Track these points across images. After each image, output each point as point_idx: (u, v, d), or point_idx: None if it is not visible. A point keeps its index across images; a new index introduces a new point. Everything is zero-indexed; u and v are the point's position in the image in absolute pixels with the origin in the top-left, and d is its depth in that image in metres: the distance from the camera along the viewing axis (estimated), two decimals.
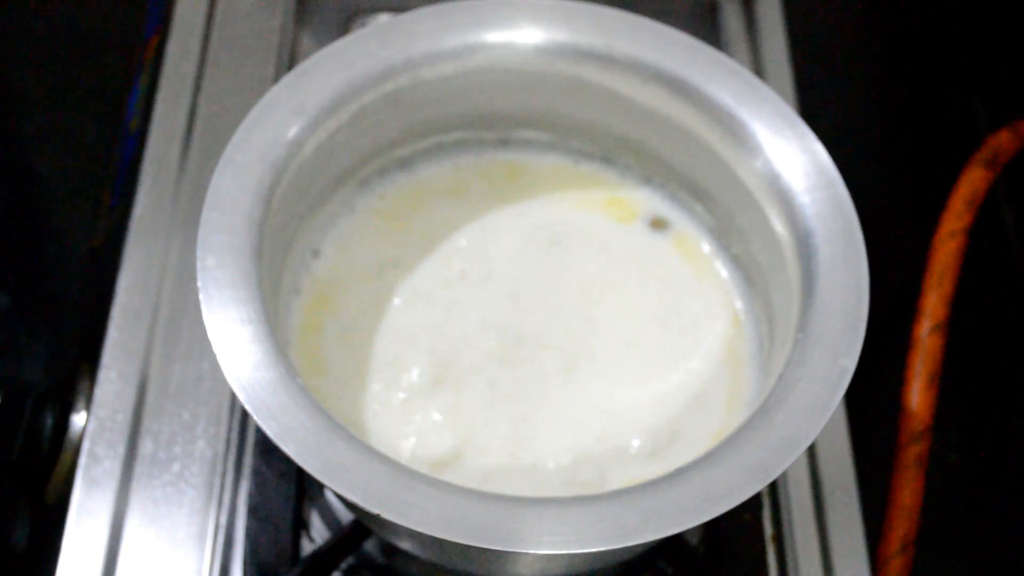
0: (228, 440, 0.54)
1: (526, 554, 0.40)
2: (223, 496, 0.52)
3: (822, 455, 0.55)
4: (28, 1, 0.77)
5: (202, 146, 0.63)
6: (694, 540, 0.54)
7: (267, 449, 0.54)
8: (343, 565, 0.53)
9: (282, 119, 0.47)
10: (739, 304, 0.53)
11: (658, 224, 0.55)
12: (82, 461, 0.52)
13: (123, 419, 0.53)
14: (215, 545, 0.51)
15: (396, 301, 0.52)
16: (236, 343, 0.42)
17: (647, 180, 0.56)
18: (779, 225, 0.48)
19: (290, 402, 0.41)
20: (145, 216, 0.59)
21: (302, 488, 0.54)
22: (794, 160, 0.48)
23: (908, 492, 0.55)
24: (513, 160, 0.56)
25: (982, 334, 0.64)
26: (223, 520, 0.52)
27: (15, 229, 0.69)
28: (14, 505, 0.53)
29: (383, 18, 0.71)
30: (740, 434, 0.42)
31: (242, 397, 0.41)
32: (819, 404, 0.42)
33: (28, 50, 0.76)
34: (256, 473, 0.54)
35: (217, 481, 0.52)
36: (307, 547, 0.54)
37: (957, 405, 0.60)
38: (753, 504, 0.54)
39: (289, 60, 0.68)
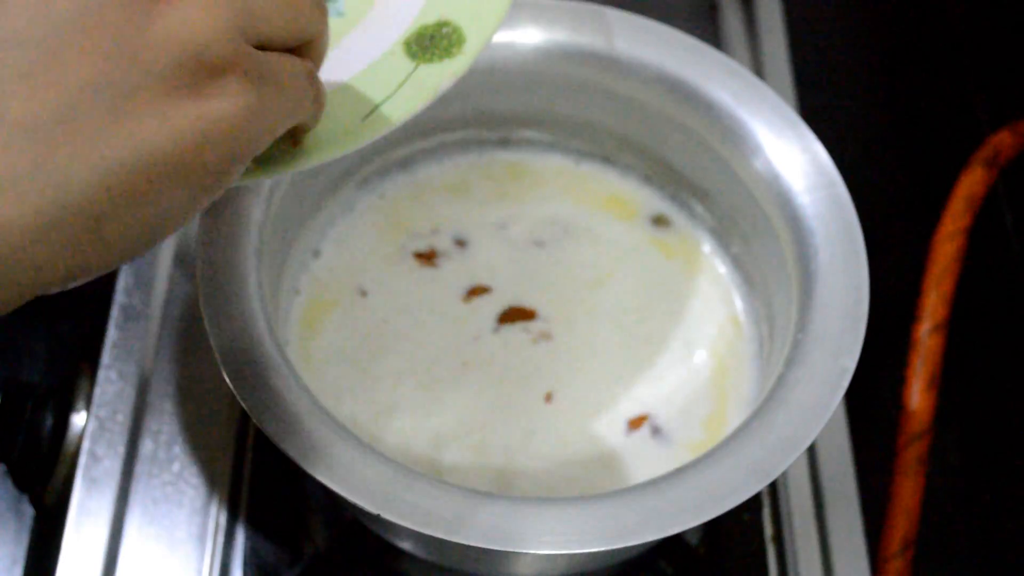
0: (228, 440, 0.53)
1: (526, 554, 0.40)
2: (223, 496, 0.52)
3: (822, 455, 0.55)
4: None
5: None
6: (694, 540, 0.54)
7: (267, 449, 0.54)
8: (343, 565, 0.53)
9: None
10: (739, 304, 0.53)
11: (658, 223, 0.55)
12: (82, 461, 0.52)
13: (123, 419, 0.53)
14: (215, 545, 0.51)
15: (396, 301, 0.52)
16: (236, 343, 0.42)
17: (647, 180, 0.56)
18: (779, 225, 0.48)
19: (290, 402, 0.41)
20: None
21: (302, 488, 0.54)
22: (794, 160, 0.48)
23: (908, 492, 0.55)
24: (514, 160, 0.56)
25: (982, 334, 0.64)
26: (223, 520, 0.52)
27: None
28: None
29: None
30: (740, 434, 0.42)
31: (241, 397, 0.41)
32: (819, 404, 0.42)
33: None
34: (256, 473, 0.54)
35: (217, 481, 0.52)
36: (307, 547, 0.54)
37: (957, 405, 0.60)
38: (753, 504, 0.54)
39: None
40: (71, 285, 0.30)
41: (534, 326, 0.52)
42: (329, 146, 0.37)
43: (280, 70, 0.32)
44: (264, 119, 0.31)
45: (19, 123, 0.27)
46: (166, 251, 0.58)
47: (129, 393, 0.54)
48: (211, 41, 0.29)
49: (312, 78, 0.34)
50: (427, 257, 0.53)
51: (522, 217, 0.55)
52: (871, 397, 0.58)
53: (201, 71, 0.29)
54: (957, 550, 0.58)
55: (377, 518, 0.39)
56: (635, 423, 0.49)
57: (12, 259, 0.27)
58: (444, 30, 0.39)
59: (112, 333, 0.55)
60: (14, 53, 0.28)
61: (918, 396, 0.57)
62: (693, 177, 0.53)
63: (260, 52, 0.31)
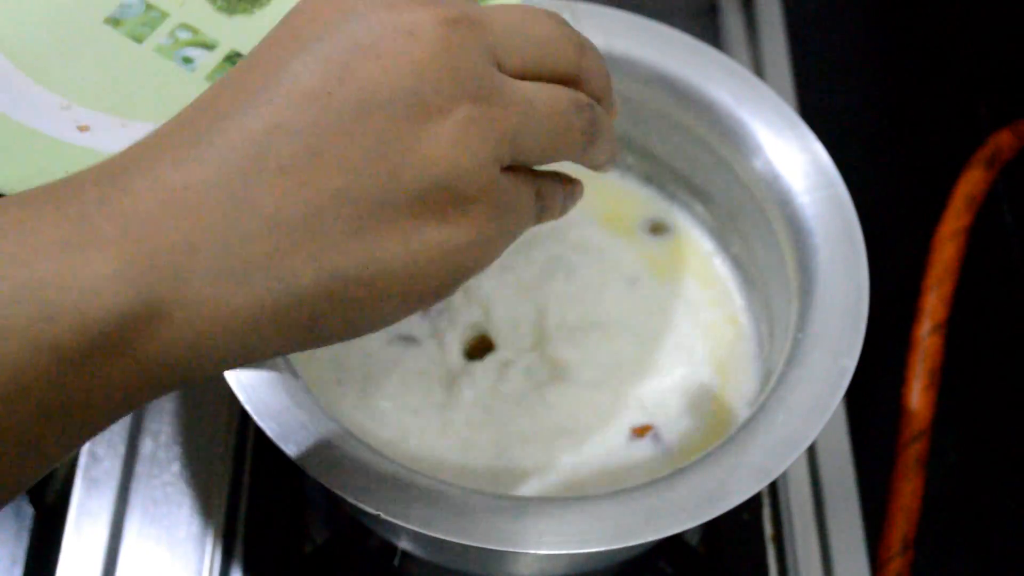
0: (228, 440, 0.53)
1: (526, 554, 0.40)
2: (223, 496, 0.52)
3: (822, 455, 0.55)
4: None
5: None
6: (694, 540, 0.54)
7: (267, 449, 0.54)
8: (343, 565, 0.53)
9: None
10: (739, 304, 0.53)
11: (658, 224, 0.55)
12: (82, 461, 0.52)
13: (123, 419, 0.53)
14: (215, 545, 0.51)
15: None
16: None
17: (647, 180, 0.55)
18: (779, 225, 0.48)
19: (290, 402, 0.41)
20: None
21: (302, 488, 0.54)
22: (794, 160, 0.48)
23: (908, 492, 0.55)
24: None
25: (982, 334, 0.64)
26: (223, 520, 0.52)
27: None
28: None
29: None
30: (740, 434, 0.42)
31: (242, 397, 0.41)
32: (819, 404, 0.42)
33: None
34: (256, 473, 0.54)
35: (217, 481, 0.52)
36: (307, 547, 0.54)
37: (957, 405, 0.60)
38: (753, 504, 0.54)
39: None
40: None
41: (535, 325, 0.52)
42: None
43: (517, 197, 0.32)
44: (498, 246, 0.31)
45: (269, 217, 0.28)
46: None
47: None
48: (472, 171, 0.29)
49: (537, 195, 0.34)
50: None
51: None
52: (871, 397, 0.58)
53: (453, 199, 0.29)
54: (957, 550, 0.58)
55: (377, 518, 0.39)
56: (640, 431, 0.49)
57: (228, 340, 0.28)
58: None
59: None
60: (281, 142, 0.28)
61: (918, 396, 0.57)
62: (693, 177, 0.53)
63: (505, 178, 0.31)
